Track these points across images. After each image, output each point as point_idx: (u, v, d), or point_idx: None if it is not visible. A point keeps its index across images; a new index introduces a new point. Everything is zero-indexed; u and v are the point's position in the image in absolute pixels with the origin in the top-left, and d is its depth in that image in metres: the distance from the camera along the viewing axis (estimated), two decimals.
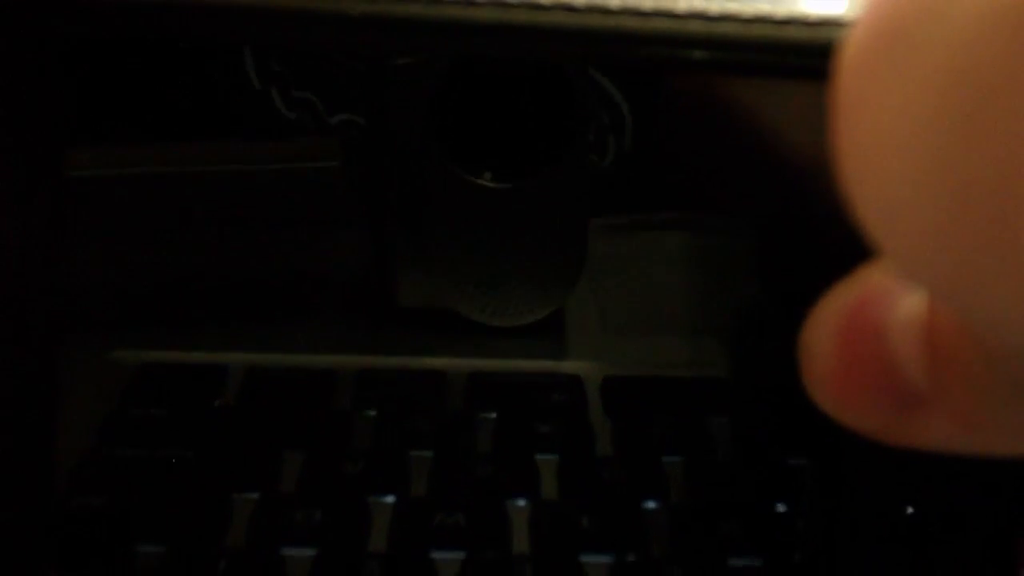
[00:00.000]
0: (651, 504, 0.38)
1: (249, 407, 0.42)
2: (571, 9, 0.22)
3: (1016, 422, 0.17)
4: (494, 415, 0.42)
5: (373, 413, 0.42)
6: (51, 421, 0.35)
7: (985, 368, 0.16)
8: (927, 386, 0.17)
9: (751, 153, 0.45)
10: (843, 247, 0.18)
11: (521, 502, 0.38)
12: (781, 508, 0.38)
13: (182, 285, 0.45)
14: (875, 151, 0.12)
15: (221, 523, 0.37)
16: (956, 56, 0.11)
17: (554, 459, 0.40)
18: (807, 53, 0.20)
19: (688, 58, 0.22)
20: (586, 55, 0.34)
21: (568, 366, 0.44)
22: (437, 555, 0.37)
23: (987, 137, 0.11)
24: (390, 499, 0.38)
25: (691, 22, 0.23)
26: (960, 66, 0.11)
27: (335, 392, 0.42)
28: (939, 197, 0.12)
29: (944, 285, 0.13)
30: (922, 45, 0.12)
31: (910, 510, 0.36)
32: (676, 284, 0.46)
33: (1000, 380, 0.16)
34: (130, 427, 0.41)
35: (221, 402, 0.42)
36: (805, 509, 0.38)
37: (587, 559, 0.37)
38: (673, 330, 0.45)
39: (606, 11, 0.23)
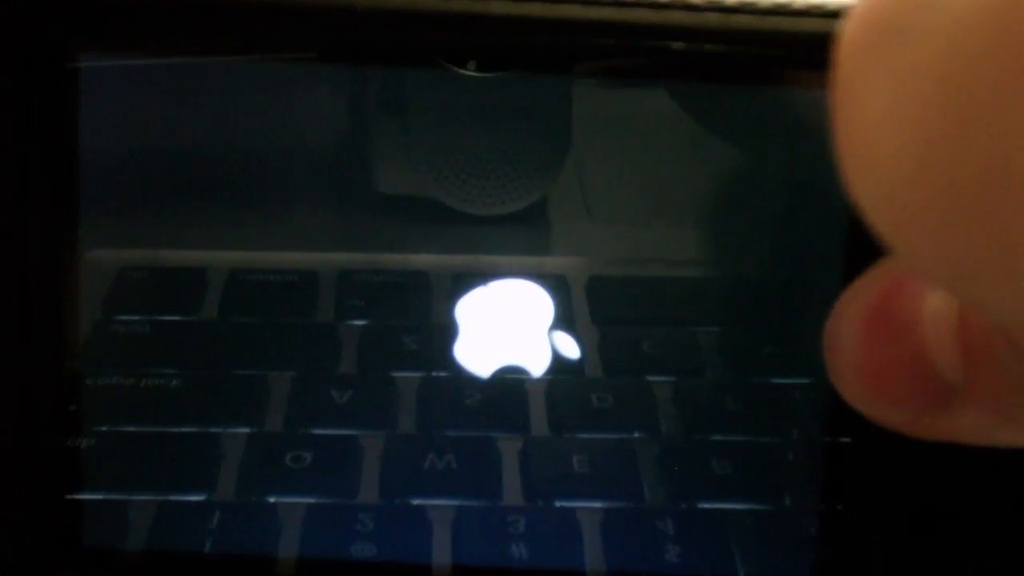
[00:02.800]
0: (640, 435, 0.38)
1: (231, 321, 0.41)
2: None
3: None
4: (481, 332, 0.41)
5: (358, 324, 0.41)
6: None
7: (1016, 359, 0.16)
8: (959, 378, 0.18)
9: None
10: None
11: (512, 437, 0.38)
12: (772, 441, 0.38)
13: (158, 173, 0.43)
14: (870, 139, 0.13)
15: (212, 468, 0.38)
16: (947, 48, 0.11)
17: (543, 381, 0.40)
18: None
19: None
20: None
21: (552, 263, 0.43)
22: (428, 502, 0.37)
23: (977, 127, 0.11)
24: (379, 434, 0.38)
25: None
26: (951, 58, 0.11)
27: (318, 299, 0.41)
28: (932, 186, 0.12)
29: (941, 273, 0.13)
30: (914, 36, 0.12)
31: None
32: (664, 161, 0.44)
33: None
34: (112, 346, 0.40)
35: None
36: (797, 440, 0.38)
37: (580, 505, 0.37)
38: (661, 217, 0.44)
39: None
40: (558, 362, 0.40)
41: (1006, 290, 0.12)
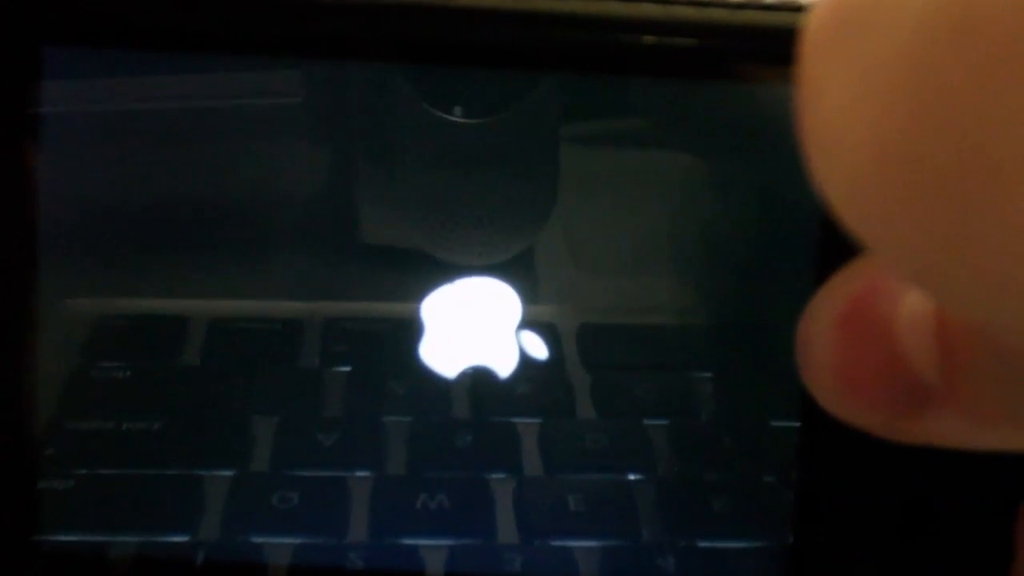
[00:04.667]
0: (636, 477, 0.38)
1: (214, 366, 0.40)
2: None
3: None
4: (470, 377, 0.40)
5: (344, 370, 0.40)
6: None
7: (996, 360, 0.16)
8: (937, 380, 0.17)
9: None
10: None
11: (505, 477, 0.37)
12: (770, 480, 0.38)
13: (139, 220, 0.42)
14: (834, 131, 0.13)
15: (195, 509, 0.36)
16: (910, 38, 0.11)
17: (535, 424, 0.39)
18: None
19: None
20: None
21: (541, 311, 0.42)
22: (421, 542, 0.36)
23: (941, 117, 0.11)
24: (368, 475, 0.37)
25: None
26: (914, 48, 0.11)
27: (303, 346, 0.41)
28: (896, 175, 0.12)
29: (907, 264, 0.13)
30: (877, 27, 0.12)
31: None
32: (651, 214, 0.44)
33: (1010, 373, 0.16)
34: (93, 392, 0.39)
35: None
36: (795, 480, 0.37)
37: (576, 544, 0.36)
38: (649, 266, 0.43)
39: None
40: (550, 405, 0.39)
41: (969, 280, 0.12)
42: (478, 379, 0.40)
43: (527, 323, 0.41)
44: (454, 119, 0.39)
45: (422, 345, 0.40)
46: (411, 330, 0.41)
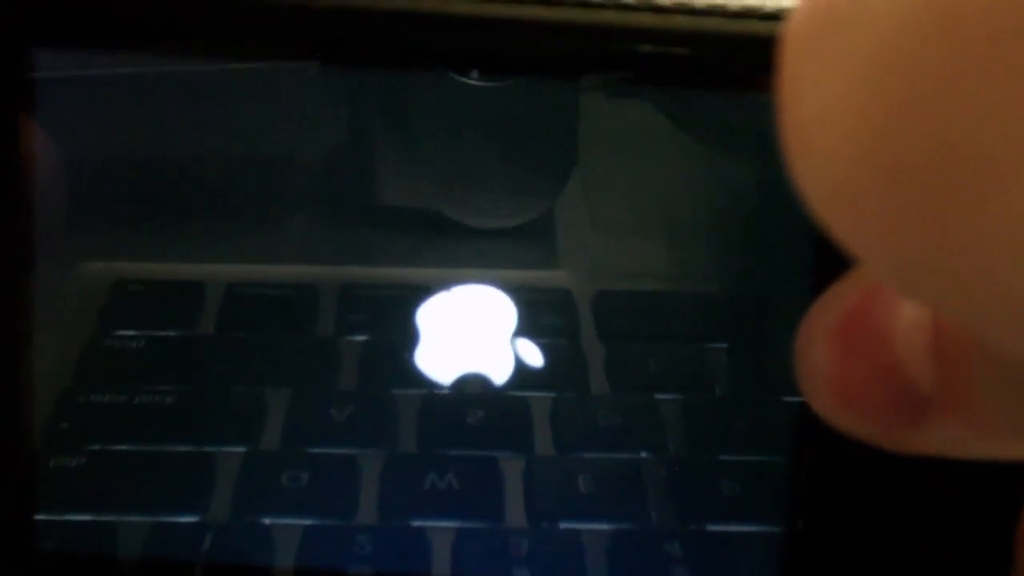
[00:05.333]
0: (647, 455, 0.37)
1: (229, 336, 0.40)
2: None
3: None
4: (484, 349, 0.40)
5: (359, 339, 0.40)
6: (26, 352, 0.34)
7: (992, 369, 0.16)
8: (934, 389, 0.17)
9: None
10: None
11: (515, 456, 0.37)
12: (784, 461, 0.37)
13: (157, 184, 0.42)
14: (814, 131, 0.13)
15: (205, 489, 0.37)
16: (889, 35, 0.11)
17: (548, 398, 0.38)
18: None
19: None
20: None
21: (558, 277, 0.42)
22: (429, 524, 0.36)
23: (919, 115, 0.11)
24: (378, 452, 0.37)
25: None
26: (893, 45, 0.11)
27: (318, 314, 0.40)
28: (875, 175, 0.12)
29: (887, 267, 0.13)
30: (856, 26, 0.12)
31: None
32: (672, 174, 0.43)
33: (1007, 382, 0.16)
34: (107, 362, 0.39)
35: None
36: (806, 463, 0.37)
37: (584, 527, 0.36)
38: (668, 231, 0.43)
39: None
40: (563, 379, 0.39)
41: (953, 285, 0.12)
42: (492, 351, 0.39)
43: (544, 290, 0.41)
44: (472, 82, 0.39)
45: (438, 315, 0.40)
46: (427, 297, 0.40)
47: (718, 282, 0.42)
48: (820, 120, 0.12)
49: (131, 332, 0.40)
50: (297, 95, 0.41)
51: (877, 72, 0.12)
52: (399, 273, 0.41)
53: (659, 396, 0.39)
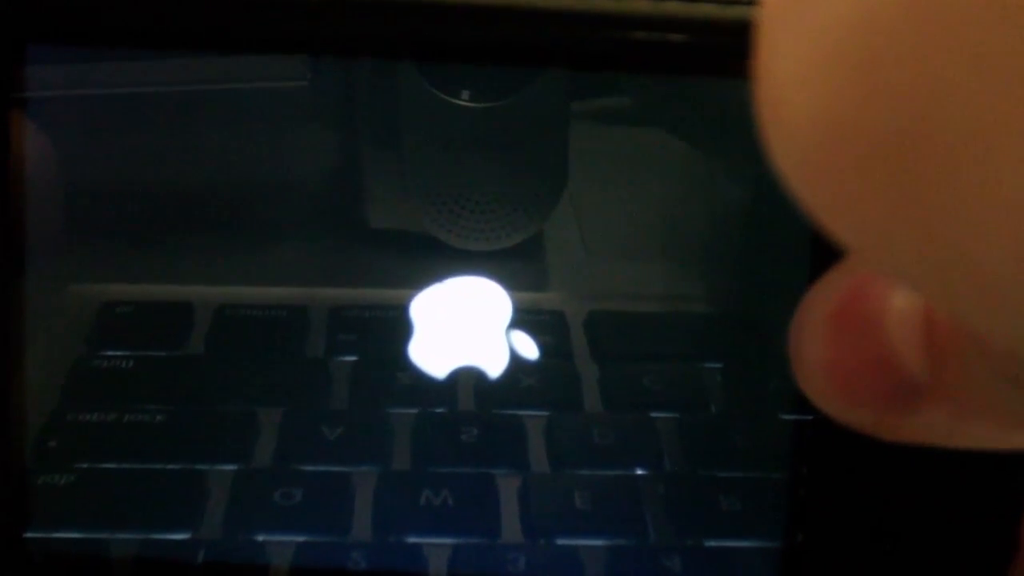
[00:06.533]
0: (643, 471, 0.37)
1: (219, 355, 0.40)
2: None
3: (1018, 412, 0.16)
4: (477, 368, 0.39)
5: (349, 359, 0.40)
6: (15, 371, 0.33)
7: (981, 357, 0.16)
8: (925, 377, 0.17)
9: None
10: None
11: (510, 473, 0.37)
12: (781, 477, 0.37)
13: (145, 205, 0.42)
14: (785, 101, 0.12)
15: (197, 506, 0.36)
16: (859, 8, 0.11)
17: (542, 417, 0.38)
18: None
19: None
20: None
21: (550, 299, 0.42)
22: (424, 541, 0.36)
23: (891, 83, 0.11)
24: (372, 470, 0.37)
25: None
26: (862, 19, 0.11)
27: (308, 335, 0.40)
28: (845, 145, 0.12)
29: (860, 242, 0.13)
30: None
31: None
32: (661, 195, 0.43)
33: (996, 369, 0.15)
34: (95, 381, 0.39)
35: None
36: (805, 477, 0.37)
37: (581, 543, 0.36)
38: (658, 254, 0.43)
39: None
40: (557, 398, 0.39)
41: (918, 256, 0.12)
42: (485, 370, 0.39)
43: (536, 311, 0.41)
44: (462, 103, 0.39)
45: (428, 334, 0.40)
46: (417, 318, 0.40)
47: (711, 302, 0.42)
48: (791, 89, 0.12)
49: (120, 352, 0.39)
50: (288, 117, 0.41)
51: (849, 41, 0.11)
52: (389, 295, 0.41)
53: (654, 414, 0.38)
